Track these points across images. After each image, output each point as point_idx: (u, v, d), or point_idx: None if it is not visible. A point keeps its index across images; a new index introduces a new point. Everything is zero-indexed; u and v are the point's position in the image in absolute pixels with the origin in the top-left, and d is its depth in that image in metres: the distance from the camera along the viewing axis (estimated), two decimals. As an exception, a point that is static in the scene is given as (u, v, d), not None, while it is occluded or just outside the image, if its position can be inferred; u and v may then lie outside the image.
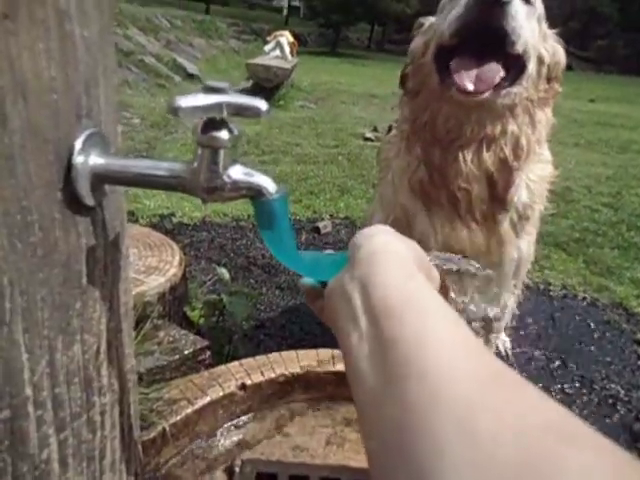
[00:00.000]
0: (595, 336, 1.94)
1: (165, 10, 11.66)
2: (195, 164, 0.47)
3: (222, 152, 0.46)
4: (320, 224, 2.64)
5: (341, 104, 7.43)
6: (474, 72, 0.96)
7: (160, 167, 0.48)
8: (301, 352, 1.23)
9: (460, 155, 1.04)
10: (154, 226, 2.53)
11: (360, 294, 0.37)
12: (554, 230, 2.86)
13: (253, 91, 6.88)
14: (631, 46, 27.82)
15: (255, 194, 0.48)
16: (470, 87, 0.95)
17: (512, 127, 1.06)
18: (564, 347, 1.84)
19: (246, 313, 1.27)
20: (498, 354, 1.65)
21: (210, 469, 1.00)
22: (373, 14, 25.03)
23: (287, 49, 7.63)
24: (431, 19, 1.13)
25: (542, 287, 2.27)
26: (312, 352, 1.23)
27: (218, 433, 1.06)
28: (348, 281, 0.40)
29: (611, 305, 2.18)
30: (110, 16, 0.49)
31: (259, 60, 7.08)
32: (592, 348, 1.86)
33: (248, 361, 1.16)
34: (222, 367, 1.14)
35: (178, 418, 0.98)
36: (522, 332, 1.91)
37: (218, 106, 0.43)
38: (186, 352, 1.06)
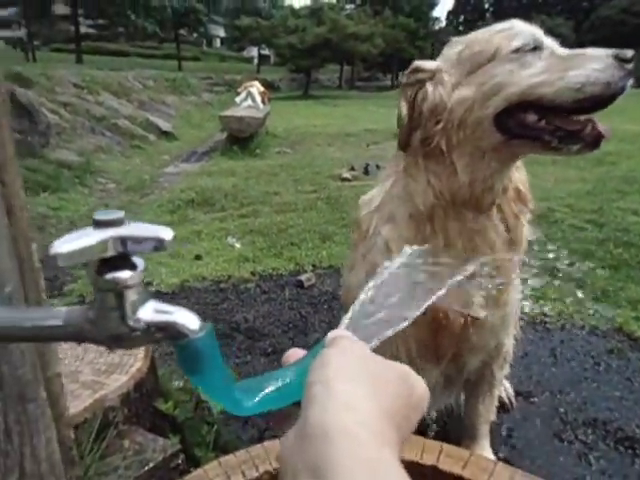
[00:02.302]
0: (600, 369, 1.85)
1: (137, 72, 11.89)
2: (95, 309, 0.39)
3: (127, 293, 0.39)
4: (303, 277, 2.55)
5: (317, 146, 7.50)
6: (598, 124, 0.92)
7: (55, 315, 0.40)
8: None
9: (487, 217, 1.02)
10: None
11: None
12: (542, 256, 2.81)
13: (229, 142, 6.92)
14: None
15: (175, 335, 0.40)
16: (609, 134, 0.91)
17: (515, 174, 1.04)
18: (570, 386, 1.74)
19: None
20: (501, 405, 1.55)
21: None
22: (340, 55, 25.88)
23: (258, 98, 7.75)
24: (436, 64, 1.00)
25: (538, 319, 2.18)
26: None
27: None
28: (296, 458, 0.32)
29: (612, 331, 2.10)
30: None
31: (231, 112, 7.17)
32: (599, 384, 1.76)
33: (227, 459, 1.04)
34: (199, 471, 1.02)
35: None
36: (523, 374, 1.81)
37: (107, 243, 0.36)
38: (155, 462, 0.94)
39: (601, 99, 0.88)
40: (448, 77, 0.96)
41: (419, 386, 0.40)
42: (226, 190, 4.56)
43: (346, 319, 0.52)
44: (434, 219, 1.05)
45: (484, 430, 1.38)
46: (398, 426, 0.36)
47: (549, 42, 0.94)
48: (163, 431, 1.09)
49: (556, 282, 2.52)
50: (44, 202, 4.05)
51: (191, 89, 13.89)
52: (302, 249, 2.99)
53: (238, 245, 3.11)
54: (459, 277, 0.56)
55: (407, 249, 0.62)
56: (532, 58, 0.91)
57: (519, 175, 1.08)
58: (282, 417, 0.44)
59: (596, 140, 0.91)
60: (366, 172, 5.27)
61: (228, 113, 7.07)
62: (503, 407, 1.57)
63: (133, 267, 0.39)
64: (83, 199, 4.39)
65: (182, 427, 1.23)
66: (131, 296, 0.39)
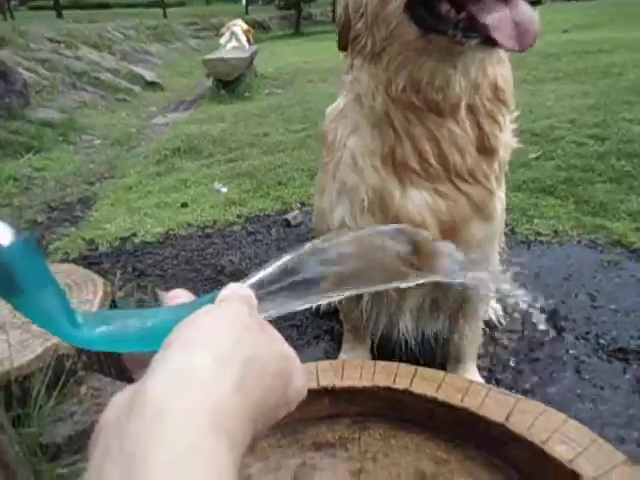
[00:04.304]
0: (596, 282, 1.78)
1: (117, 23, 11.34)
2: None
3: None
4: (289, 216, 2.47)
5: (308, 83, 7.19)
6: (510, 24, 0.75)
7: None
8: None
9: (453, 119, 0.92)
10: (116, 250, 2.38)
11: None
12: (539, 175, 2.68)
13: (216, 87, 6.65)
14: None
15: None
16: (516, 47, 0.76)
17: (490, 69, 0.92)
18: (565, 298, 1.68)
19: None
20: (489, 323, 1.50)
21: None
22: (331, -15, 24.36)
23: (243, 37, 7.38)
24: None
25: (532, 238, 2.10)
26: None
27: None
28: (113, 434, 0.26)
29: (610, 244, 2.01)
30: None
31: (215, 55, 6.84)
32: (595, 296, 1.69)
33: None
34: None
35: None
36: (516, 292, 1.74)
37: None
38: (112, 405, 0.91)
39: None
40: None
41: (298, 379, 0.34)
42: (213, 136, 4.40)
43: (254, 277, 0.44)
44: (395, 125, 0.95)
45: (470, 353, 1.34)
46: (259, 421, 0.29)
47: None
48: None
49: (553, 200, 2.41)
50: (28, 163, 3.95)
51: (176, 36, 13.27)
52: (290, 188, 2.89)
53: (225, 190, 3.02)
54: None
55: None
56: None
57: (500, 70, 0.96)
58: (136, 362, 0.37)
59: (486, 35, 0.75)
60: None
61: (212, 56, 6.74)
62: (489, 326, 1.53)
63: None
64: (68, 157, 4.27)
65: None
66: None
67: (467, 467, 0.92)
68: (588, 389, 1.29)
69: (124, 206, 2.98)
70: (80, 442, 0.86)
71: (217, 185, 3.10)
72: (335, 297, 0.46)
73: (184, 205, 2.84)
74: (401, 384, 1.00)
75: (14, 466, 0.68)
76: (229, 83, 6.51)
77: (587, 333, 1.50)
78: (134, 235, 2.51)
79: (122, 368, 1.15)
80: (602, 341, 1.45)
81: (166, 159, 3.89)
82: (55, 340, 0.97)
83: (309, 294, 0.44)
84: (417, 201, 0.99)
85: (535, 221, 2.21)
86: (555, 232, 2.12)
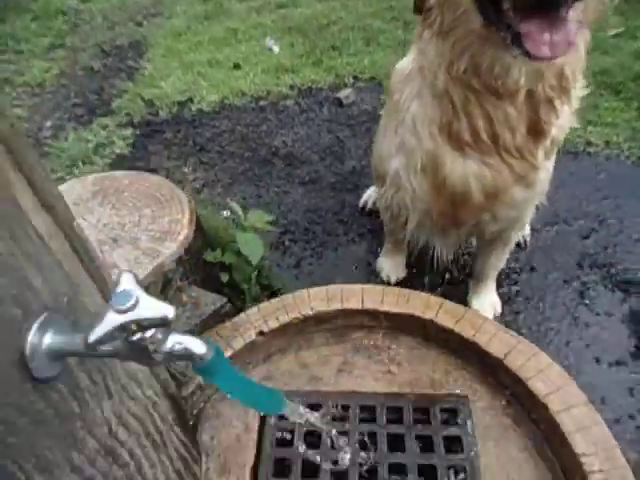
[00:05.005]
0: (631, 205, 1.85)
1: None
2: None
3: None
4: (342, 94, 2.48)
5: None
6: (546, 34, 0.80)
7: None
8: (312, 291, 1.34)
9: (510, 103, 0.98)
10: (176, 117, 2.51)
11: None
12: (612, 64, 2.49)
13: None
14: None
15: (189, 359, 0.54)
16: (547, 54, 0.81)
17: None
18: (593, 221, 1.80)
19: (260, 254, 1.37)
20: (518, 243, 1.68)
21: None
22: None
23: None
24: None
25: (580, 148, 2.12)
26: (322, 291, 1.34)
27: (247, 370, 1.28)
28: None
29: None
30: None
31: None
32: (624, 221, 1.79)
33: (265, 306, 1.31)
34: (242, 316, 1.30)
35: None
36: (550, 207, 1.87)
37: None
38: (208, 312, 1.21)
39: None
40: None
41: None
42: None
43: None
44: (454, 101, 1.02)
45: (492, 274, 1.56)
46: None
47: None
48: (213, 286, 1.35)
49: (615, 103, 2.31)
50: None
51: None
52: (343, 56, 2.80)
53: (277, 49, 2.94)
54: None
55: None
56: None
57: (569, 57, 0.97)
58: None
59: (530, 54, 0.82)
60: None
61: None
62: (517, 245, 1.72)
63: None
64: None
65: (230, 268, 1.50)
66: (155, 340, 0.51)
67: (467, 380, 1.22)
68: (585, 314, 1.53)
69: (176, 59, 2.98)
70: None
71: (269, 41, 3.00)
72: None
73: (237, 66, 2.83)
74: (428, 314, 1.26)
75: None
76: None
77: (602, 261, 1.68)
78: (190, 101, 2.60)
79: (205, 277, 1.43)
80: (613, 270, 1.64)
81: (213, -4, 3.66)
82: (161, 259, 1.24)
83: None
84: (465, 169, 1.11)
85: (589, 128, 2.18)
86: (607, 143, 2.12)
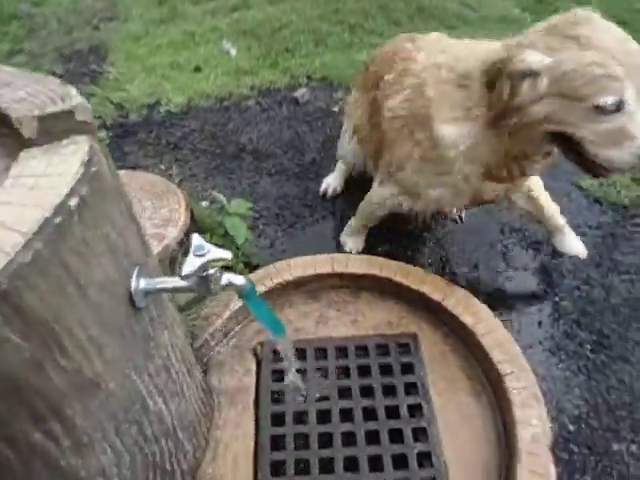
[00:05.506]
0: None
1: None
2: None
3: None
4: (298, 94, 2.77)
5: None
6: None
7: (180, 282, 0.83)
8: (291, 261, 1.65)
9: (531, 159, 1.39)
10: (146, 119, 2.72)
11: None
12: None
13: None
14: None
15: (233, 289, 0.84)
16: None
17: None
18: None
19: (244, 235, 1.66)
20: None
21: (241, 350, 1.53)
22: None
23: None
24: (546, 60, 1.13)
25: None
26: (299, 260, 1.65)
27: (243, 327, 1.57)
28: None
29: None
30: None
31: None
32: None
33: (252, 275, 1.61)
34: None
35: (212, 328, 1.48)
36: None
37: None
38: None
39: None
40: (542, 84, 1.14)
41: None
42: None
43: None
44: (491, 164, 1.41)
45: (557, 214, 1.78)
46: None
47: (633, 99, 1.11)
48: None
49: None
50: (23, -5, 3.84)
51: None
52: (296, 57, 3.08)
53: (234, 52, 3.18)
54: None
55: None
56: (606, 118, 1.12)
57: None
58: None
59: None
60: None
61: None
62: (454, 221, 2.08)
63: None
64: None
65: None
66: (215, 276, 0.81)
67: (416, 322, 1.57)
68: (509, 269, 1.92)
69: (139, 63, 3.15)
70: (193, 304, 1.47)
71: (226, 45, 3.23)
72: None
73: (197, 69, 3.05)
74: (385, 274, 1.60)
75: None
76: None
77: (518, 228, 2.08)
78: (158, 103, 2.80)
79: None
80: (527, 234, 2.05)
81: (167, 0, 3.82)
82: (166, 241, 1.50)
83: None
84: (494, 188, 1.51)
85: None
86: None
